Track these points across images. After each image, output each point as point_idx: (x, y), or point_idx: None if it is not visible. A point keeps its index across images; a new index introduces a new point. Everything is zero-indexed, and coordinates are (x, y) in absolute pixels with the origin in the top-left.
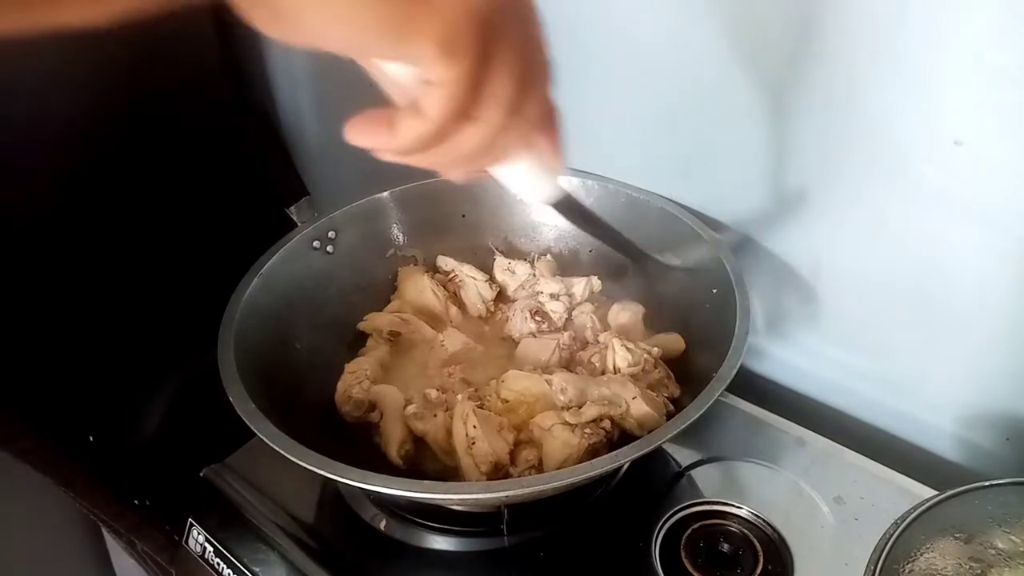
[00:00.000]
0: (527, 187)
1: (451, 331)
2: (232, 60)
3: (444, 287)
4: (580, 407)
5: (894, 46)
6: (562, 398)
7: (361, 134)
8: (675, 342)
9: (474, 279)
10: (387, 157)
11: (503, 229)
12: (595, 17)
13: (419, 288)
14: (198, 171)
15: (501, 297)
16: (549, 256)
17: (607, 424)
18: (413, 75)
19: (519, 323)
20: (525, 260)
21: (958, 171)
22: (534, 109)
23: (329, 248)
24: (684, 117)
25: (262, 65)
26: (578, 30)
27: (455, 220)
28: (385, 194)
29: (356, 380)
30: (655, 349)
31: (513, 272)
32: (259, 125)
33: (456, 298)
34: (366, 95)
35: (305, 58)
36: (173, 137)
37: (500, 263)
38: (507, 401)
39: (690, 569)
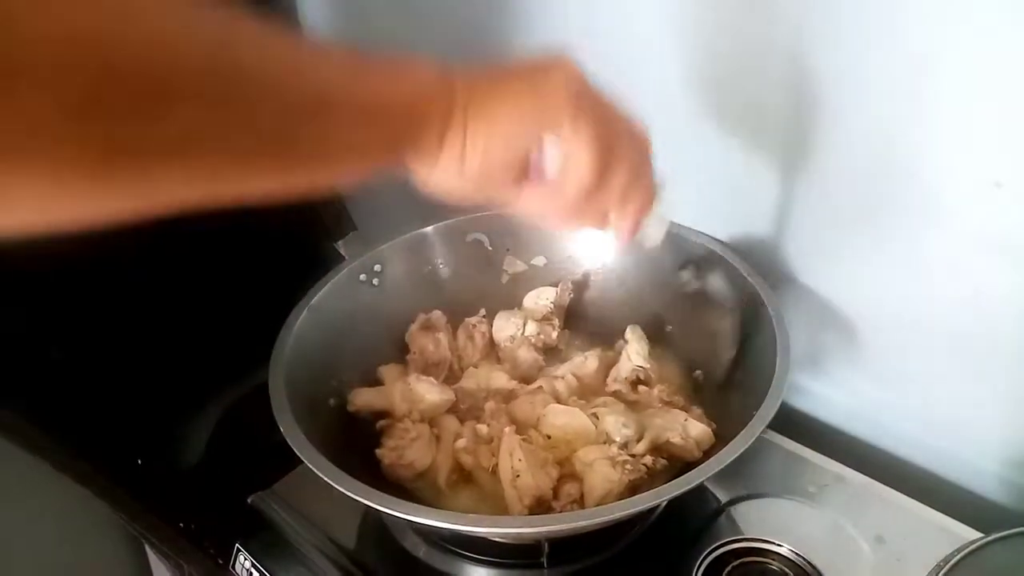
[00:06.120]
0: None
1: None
2: None
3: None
4: (639, 440)
5: (932, 86)
6: (625, 431)
7: (532, 204)
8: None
9: None
10: (552, 220)
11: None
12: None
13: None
14: (250, 207)
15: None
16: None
17: (648, 460)
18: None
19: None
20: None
21: (998, 212)
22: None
23: (375, 281)
24: (724, 155)
25: None
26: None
27: (499, 253)
28: (429, 229)
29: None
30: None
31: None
32: None
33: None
34: None
35: None
36: None
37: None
38: (550, 437)
39: None
